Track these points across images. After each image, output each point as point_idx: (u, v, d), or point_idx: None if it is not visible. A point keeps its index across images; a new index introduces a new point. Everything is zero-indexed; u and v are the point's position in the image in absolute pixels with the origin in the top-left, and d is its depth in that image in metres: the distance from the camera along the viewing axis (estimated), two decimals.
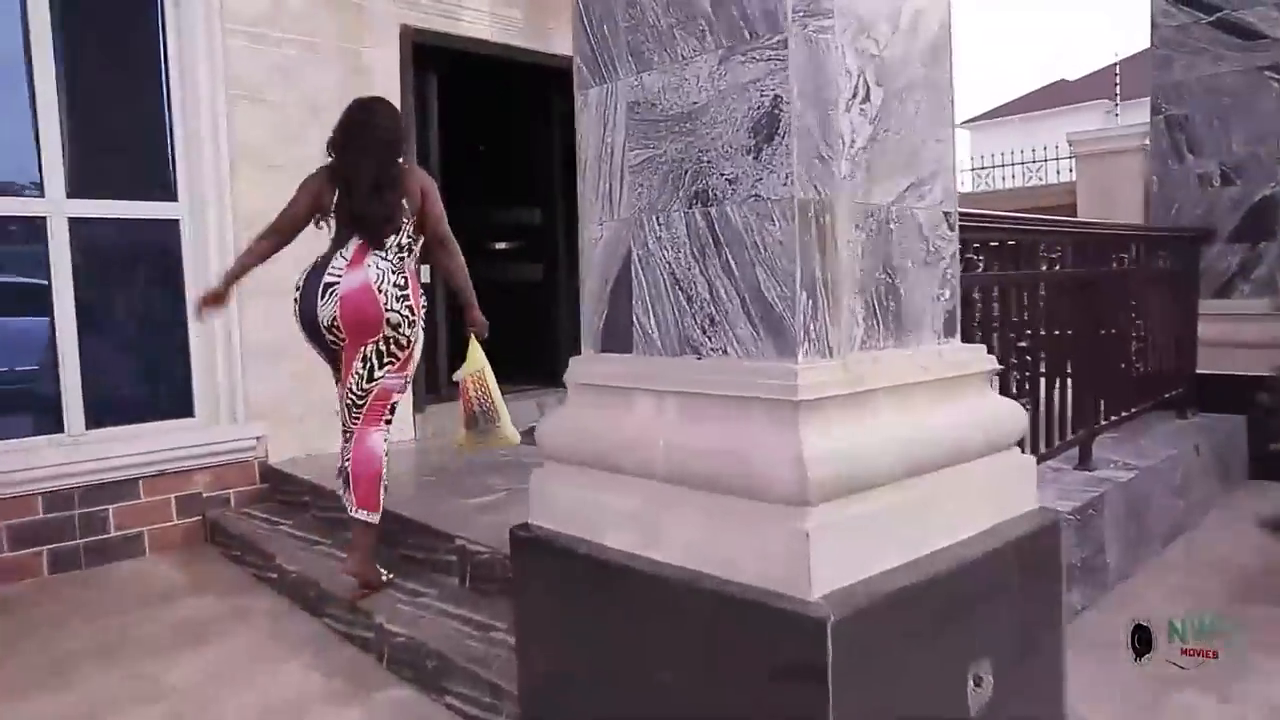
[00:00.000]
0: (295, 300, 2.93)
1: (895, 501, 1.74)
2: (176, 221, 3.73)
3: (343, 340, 2.88)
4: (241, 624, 2.98)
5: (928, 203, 1.98)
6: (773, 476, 1.62)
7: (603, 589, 1.90)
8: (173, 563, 3.57)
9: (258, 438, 3.87)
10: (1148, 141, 8.48)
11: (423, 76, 4.53)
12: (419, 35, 4.37)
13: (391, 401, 2.95)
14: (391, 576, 2.92)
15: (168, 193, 3.72)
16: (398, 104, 4.31)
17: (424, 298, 3.01)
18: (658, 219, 1.90)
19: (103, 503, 3.53)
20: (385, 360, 2.88)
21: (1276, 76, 4.81)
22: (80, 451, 3.47)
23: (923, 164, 1.97)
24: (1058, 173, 9.42)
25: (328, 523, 3.51)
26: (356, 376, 2.88)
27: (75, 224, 3.54)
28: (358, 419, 2.92)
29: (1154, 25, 5.23)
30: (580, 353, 2.12)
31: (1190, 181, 5.11)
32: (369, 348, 2.85)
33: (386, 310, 2.80)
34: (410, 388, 4.43)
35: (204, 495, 3.75)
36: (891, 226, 1.89)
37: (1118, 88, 13.57)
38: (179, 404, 3.76)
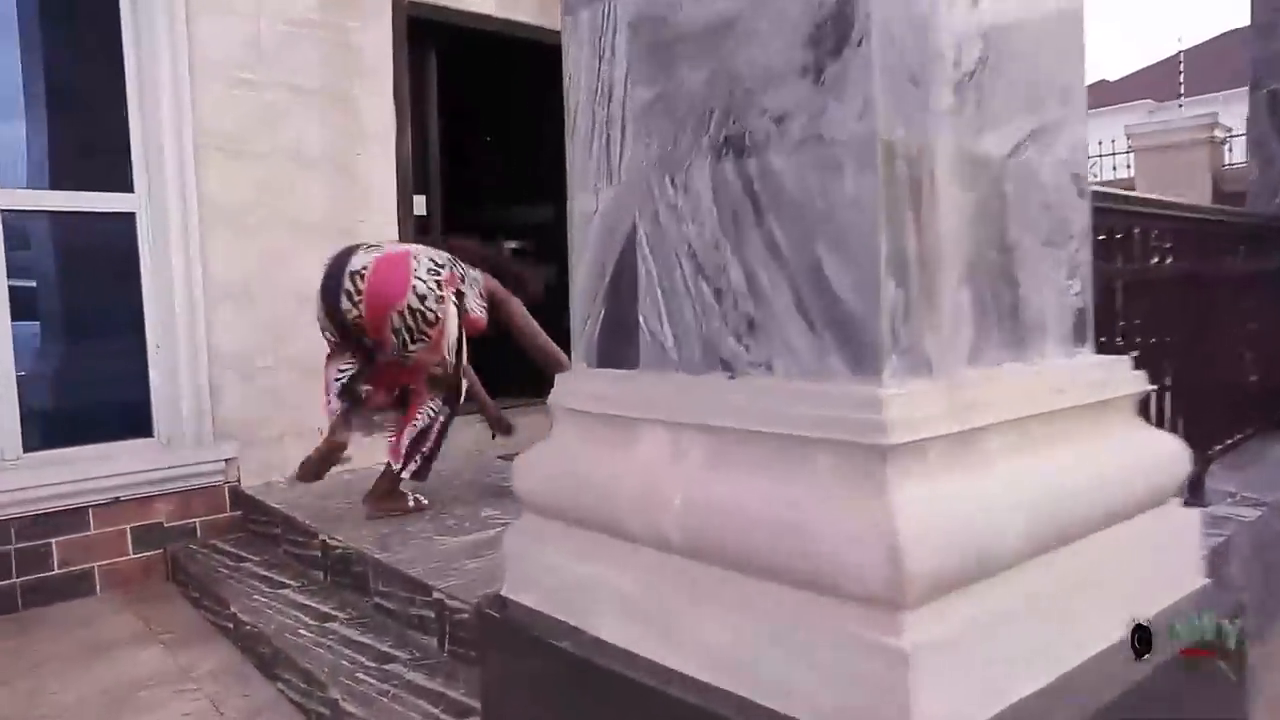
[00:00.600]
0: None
1: (1028, 591, 1.13)
2: (132, 215, 3.21)
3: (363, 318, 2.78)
4: (184, 689, 2.43)
5: (1053, 158, 1.38)
6: (847, 563, 1.02)
7: (592, 699, 1.32)
8: (124, 604, 3.03)
9: (227, 460, 3.33)
10: (1216, 133, 7.80)
11: (419, 55, 3.98)
12: (414, 8, 3.82)
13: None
14: (422, 502, 2.99)
15: (122, 183, 3.20)
16: (389, 87, 3.79)
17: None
18: (672, 180, 1.32)
19: (45, 536, 3.00)
20: (416, 337, 2.79)
21: None
22: (17, 477, 2.94)
23: (1048, 104, 1.36)
24: (1113, 168, 8.72)
25: (299, 560, 2.95)
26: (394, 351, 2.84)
27: (8, 217, 3.01)
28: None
29: None
30: (570, 367, 1.54)
31: None
32: (395, 318, 2.75)
33: (414, 278, 2.78)
34: None
35: (165, 525, 3.21)
36: (1007, 187, 1.29)
37: (1181, 77, 12.80)
38: (136, 422, 3.22)
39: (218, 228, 3.32)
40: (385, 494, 2.95)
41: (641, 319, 1.37)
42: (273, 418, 3.45)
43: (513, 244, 4.75)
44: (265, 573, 2.93)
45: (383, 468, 2.96)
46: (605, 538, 1.34)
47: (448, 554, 2.55)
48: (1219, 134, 7.25)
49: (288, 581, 2.84)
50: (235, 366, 3.36)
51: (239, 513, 3.36)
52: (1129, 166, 8.32)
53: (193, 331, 3.23)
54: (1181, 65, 13.41)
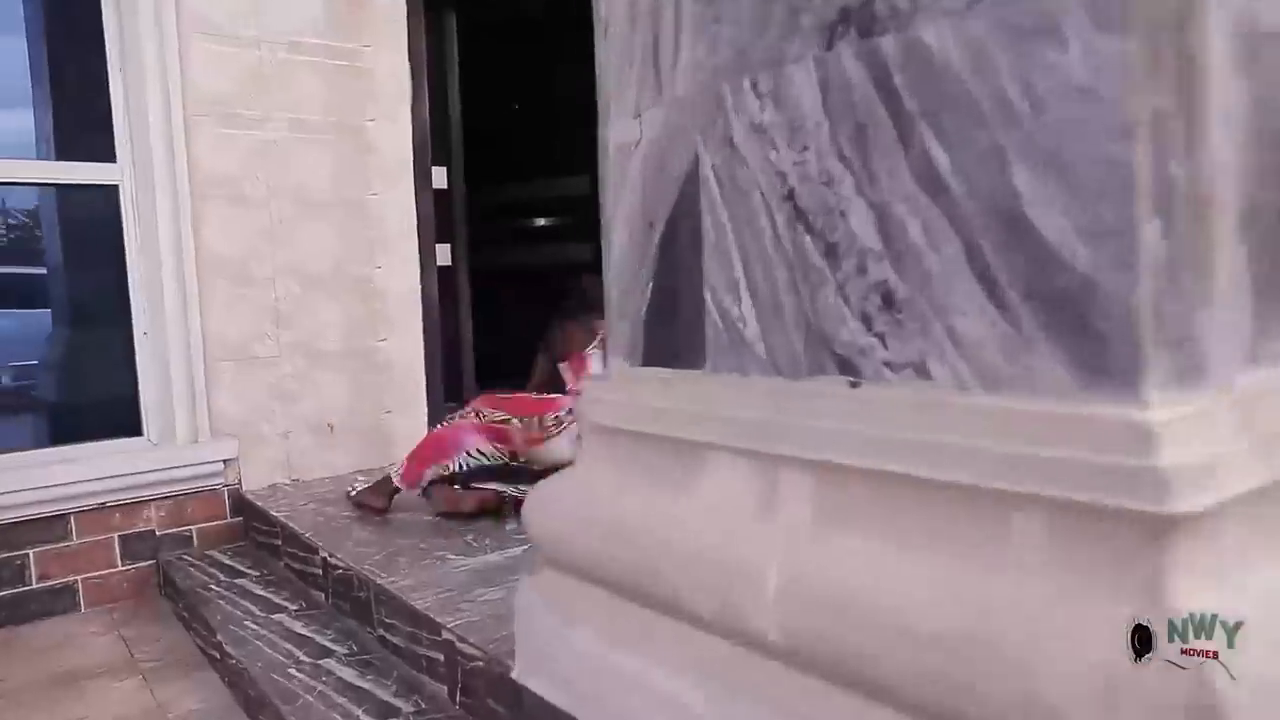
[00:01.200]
0: None
1: None
2: (115, 187, 2.80)
3: None
4: None
5: None
6: None
7: None
8: (109, 624, 2.64)
9: (226, 460, 2.93)
10: None
11: (437, 14, 3.53)
12: None
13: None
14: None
15: (104, 152, 2.79)
16: (404, 49, 3.35)
17: None
18: (755, 86, 0.86)
19: (21, 546, 2.62)
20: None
21: None
22: None
23: None
24: None
25: (300, 577, 2.54)
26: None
27: None
28: None
29: None
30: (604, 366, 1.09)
31: None
32: None
33: None
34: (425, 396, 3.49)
35: (157, 534, 2.82)
36: None
37: None
38: (124, 419, 2.83)
39: (211, 200, 2.90)
40: (383, 492, 2.62)
41: (708, 295, 0.91)
42: (278, 411, 3.04)
43: (546, 220, 4.31)
44: (262, 591, 2.52)
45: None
46: (656, 616, 0.89)
47: (462, 580, 2.11)
48: None
49: (285, 603, 2.43)
50: (234, 355, 2.95)
51: (240, 519, 2.96)
52: None
53: (185, 316, 2.82)
54: None
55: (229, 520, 2.94)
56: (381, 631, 2.12)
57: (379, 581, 2.12)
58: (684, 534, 0.87)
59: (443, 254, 3.53)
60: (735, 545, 0.82)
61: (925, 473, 0.71)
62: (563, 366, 2.69)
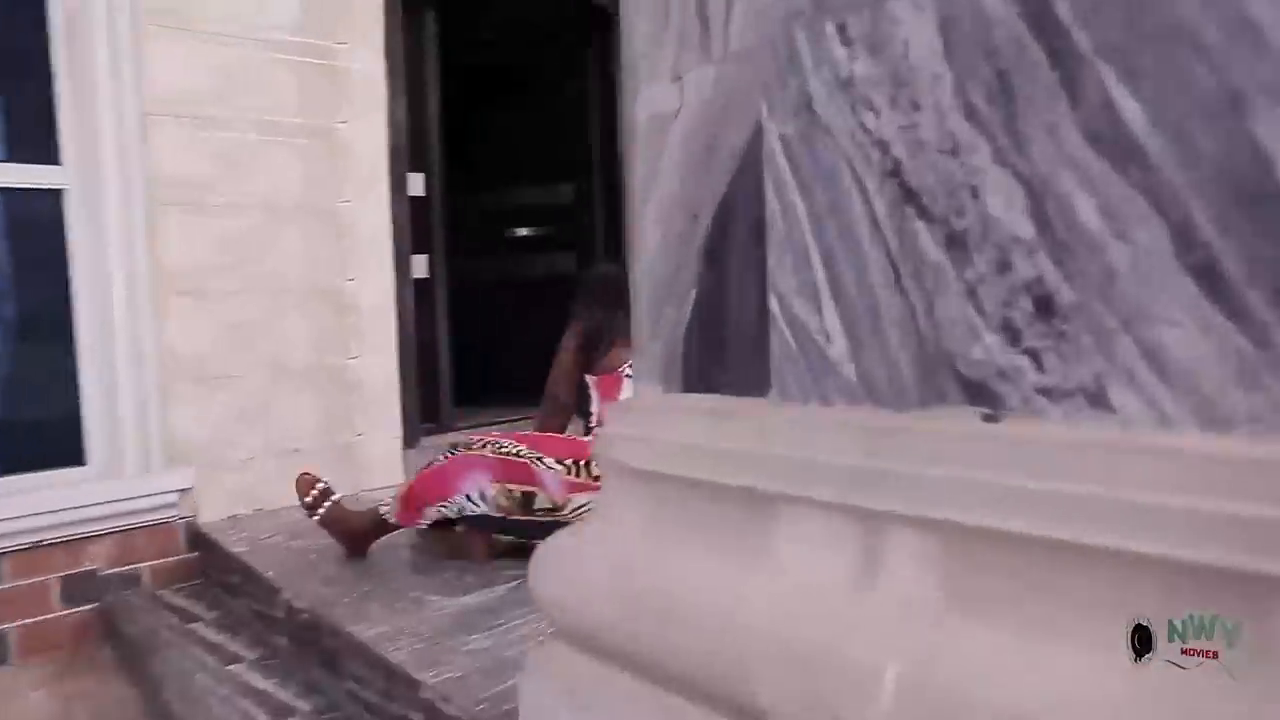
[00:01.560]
0: None
1: None
2: (59, 192, 2.56)
3: None
4: None
5: None
6: None
7: None
8: (44, 678, 2.37)
9: (182, 491, 2.68)
10: None
11: (417, 13, 3.33)
12: None
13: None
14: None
15: (47, 153, 2.55)
16: (380, 44, 3.14)
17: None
18: (842, 30, 0.66)
19: None
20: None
21: None
22: None
23: None
24: None
25: (261, 620, 2.30)
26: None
27: None
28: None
29: None
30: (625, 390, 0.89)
31: None
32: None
33: None
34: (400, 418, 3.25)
35: (101, 574, 2.56)
36: None
37: None
38: (65, 447, 2.56)
39: (171, 206, 2.67)
40: (369, 532, 2.31)
41: (774, 303, 0.71)
42: (241, 436, 2.80)
43: (528, 230, 4.11)
44: (218, 638, 2.27)
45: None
46: (709, 715, 0.69)
47: (443, 625, 1.88)
48: None
49: (244, 652, 2.18)
50: (193, 374, 2.71)
51: (196, 554, 2.70)
52: None
53: (135, 330, 2.58)
54: None
55: (184, 556, 2.69)
56: (351, 683, 1.88)
57: (349, 629, 1.88)
58: (752, 610, 0.66)
59: (419, 265, 3.31)
60: (824, 626, 0.62)
61: (1102, 540, 0.51)
62: (591, 380, 2.25)
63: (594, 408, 2.23)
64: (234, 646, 2.21)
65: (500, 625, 1.85)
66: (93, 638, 2.54)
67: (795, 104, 0.69)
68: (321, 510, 2.27)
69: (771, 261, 0.71)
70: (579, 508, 2.05)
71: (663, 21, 0.80)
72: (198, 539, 2.69)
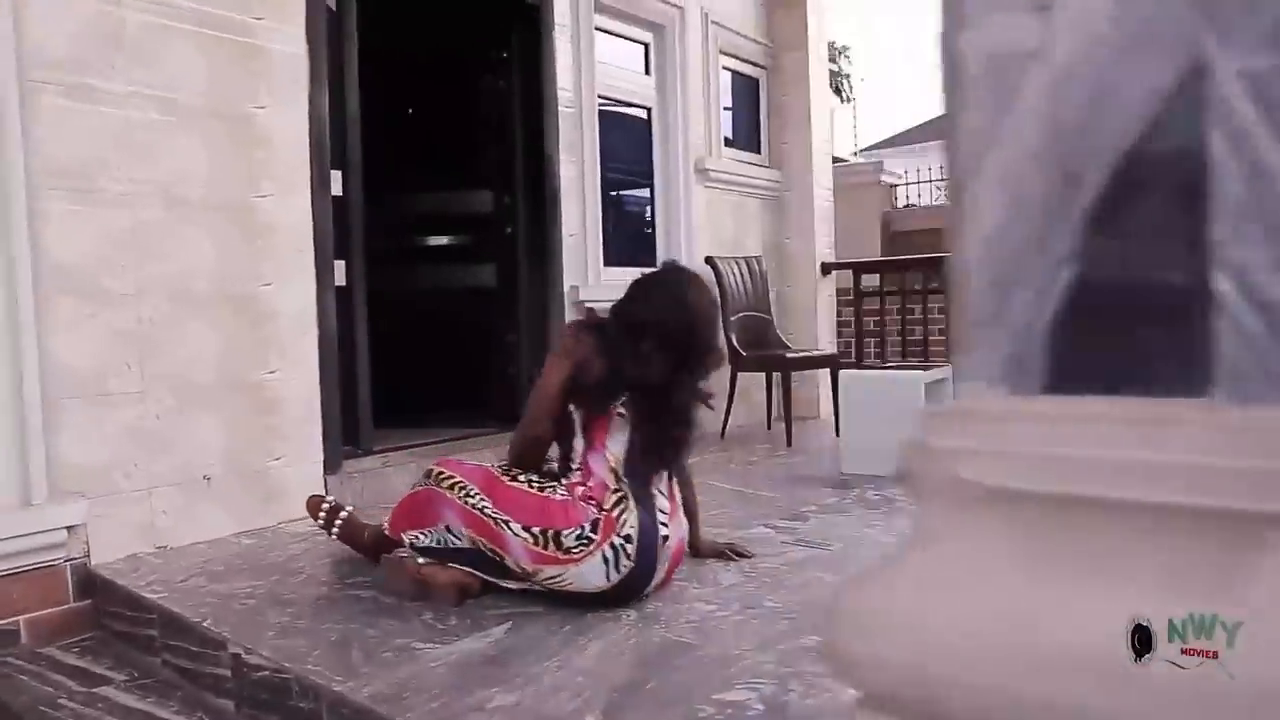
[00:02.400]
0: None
1: None
2: None
3: None
4: None
5: None
6: None
7: None
8: None
9: (70, 527, 2.22)
10: None
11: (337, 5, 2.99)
12: None
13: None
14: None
15: None
16: (302, 23, 2.79)
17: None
18: None
19: None
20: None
21: None
22: None
23: None
24: None
25: (190, 680, 1.90)
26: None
27: None
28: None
29: None
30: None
31: None
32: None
33: None
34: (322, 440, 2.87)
35: None
36: None
37: None
38: None
39: (54, 194, 2.23)
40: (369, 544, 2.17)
41: (1224, 281, 0.56)
42: (139, 462, 2.37)
43: (444, 239, 3.81)
44: (135, 702, 1.85)
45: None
46: None
47: (448, 679, 1.60)
48: None
49: (171, 719, 1.80)
50: (82, 390, 2.26)
51: (88, 602, 2.24)
52: None
53: (15, 340, 2.12)
54: None
55: (73, 605, 2.24)
56: None
57: (335, 689, 1.58)
58: (1237, 658, 0.51)
59: (338, 272, 2.96)
60: None
61: None
62: (577, 415, 1.98)
63: (577, 445, 1.99)
64: (162, 713, 1.81)
65: (517, 676, 1.59)
66: None
67: (1266, 33, 0.55)
68: (336, 529, 2.23)
69: (1219, 232, 0.56)
70: (551, 578, 1.87)
71: None
72: (90, 583, 2.24)
